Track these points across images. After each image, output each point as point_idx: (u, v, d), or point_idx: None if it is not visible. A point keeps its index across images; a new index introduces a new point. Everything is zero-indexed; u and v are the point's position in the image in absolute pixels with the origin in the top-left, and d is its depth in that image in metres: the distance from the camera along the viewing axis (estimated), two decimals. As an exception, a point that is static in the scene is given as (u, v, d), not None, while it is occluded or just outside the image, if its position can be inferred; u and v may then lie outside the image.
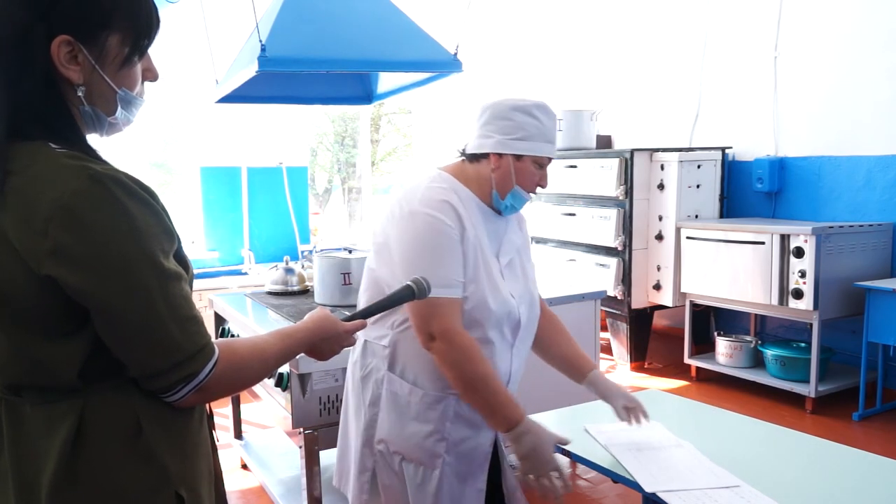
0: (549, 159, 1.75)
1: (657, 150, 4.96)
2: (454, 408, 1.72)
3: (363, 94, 3.99)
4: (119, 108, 1.06)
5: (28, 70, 0.98)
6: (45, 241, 0.92)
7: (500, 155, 1.72)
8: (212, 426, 1.21)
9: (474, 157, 1.77)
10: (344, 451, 1.95)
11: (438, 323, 1.62)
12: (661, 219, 4.90)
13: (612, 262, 5.00)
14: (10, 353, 0.99)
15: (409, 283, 1.46)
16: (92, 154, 1.02)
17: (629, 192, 4.88)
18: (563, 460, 1.69)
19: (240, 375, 1.09)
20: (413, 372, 1.74)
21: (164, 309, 0.97)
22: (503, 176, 1.73)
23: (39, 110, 0.99)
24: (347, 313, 1.35)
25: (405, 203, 1.71)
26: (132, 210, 0.96)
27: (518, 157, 1.71)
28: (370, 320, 1.81)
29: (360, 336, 1.85)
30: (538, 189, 1.79)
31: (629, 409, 1.83)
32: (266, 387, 2.68)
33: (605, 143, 5.89)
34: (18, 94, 0.98)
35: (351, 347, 1.91)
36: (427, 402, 1.72)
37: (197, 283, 4.85)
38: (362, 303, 1.83)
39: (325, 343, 1.26)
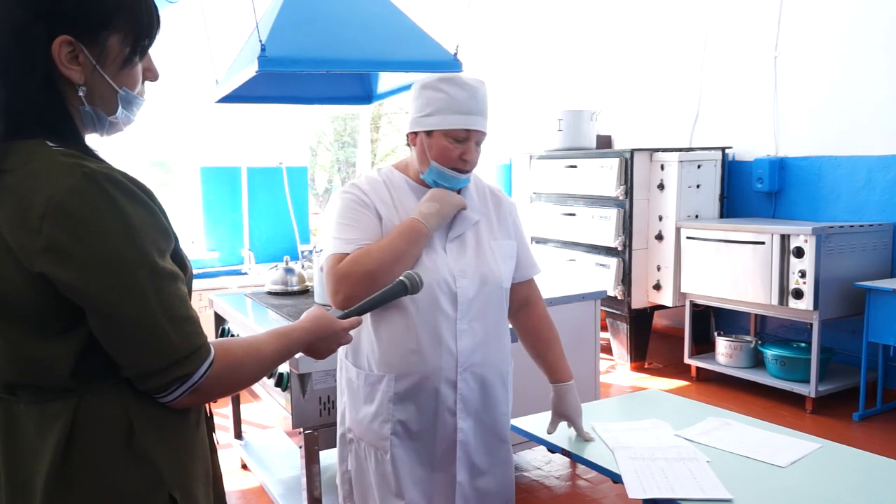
0: (467, 131, 1.69)
1: (657, 150, 4.96)
2: (394, 387, 1.71)
3: (363, 94, 4.00)
4: (120, 107, 1.06)
5: (29, 70, 0.98)
6: (38, 238, 0.91)
7: (415, 134, 1.74)
8: (211, 427, 1.20)
9: (408, 143, 1.81)
10: None
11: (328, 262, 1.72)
12: (661, 219, 4.90)
13: (612, 262, 5.00)
14: (4, 351, 0.99)
15: (401, 278, 1.49)
16: (89, 153, 1.01)
17: (629, 192, 4.88)
18: (562, 460, 1.68)
19: (236, 376, 1.08)
20: (363, 355, 1.76)
21: (159, 308, 0.97)
22: (420, 154, 1.75)
23: (39, 110, 0.99)
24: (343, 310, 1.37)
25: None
26: (127, 209, 0.95)
27: (429, 133, 1.71)
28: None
29: None
30: (470, 165, 1.74)
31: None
32: (266, 387, 2.68)
33: (605, 143, 5.89)
34: (19, 93, 0.98)
35: None
36: (370, 382, 1.73)
37: (197, 283, 4.84)
38: None
39: (323, 342, 1.26)
